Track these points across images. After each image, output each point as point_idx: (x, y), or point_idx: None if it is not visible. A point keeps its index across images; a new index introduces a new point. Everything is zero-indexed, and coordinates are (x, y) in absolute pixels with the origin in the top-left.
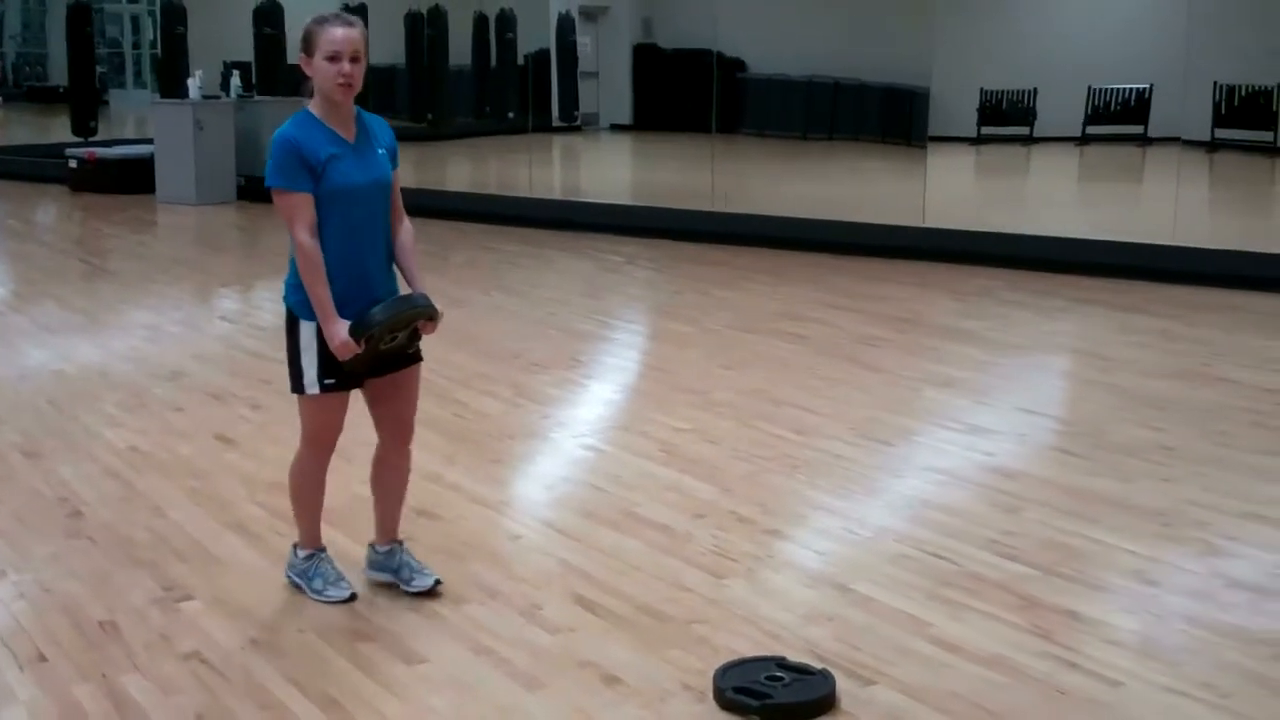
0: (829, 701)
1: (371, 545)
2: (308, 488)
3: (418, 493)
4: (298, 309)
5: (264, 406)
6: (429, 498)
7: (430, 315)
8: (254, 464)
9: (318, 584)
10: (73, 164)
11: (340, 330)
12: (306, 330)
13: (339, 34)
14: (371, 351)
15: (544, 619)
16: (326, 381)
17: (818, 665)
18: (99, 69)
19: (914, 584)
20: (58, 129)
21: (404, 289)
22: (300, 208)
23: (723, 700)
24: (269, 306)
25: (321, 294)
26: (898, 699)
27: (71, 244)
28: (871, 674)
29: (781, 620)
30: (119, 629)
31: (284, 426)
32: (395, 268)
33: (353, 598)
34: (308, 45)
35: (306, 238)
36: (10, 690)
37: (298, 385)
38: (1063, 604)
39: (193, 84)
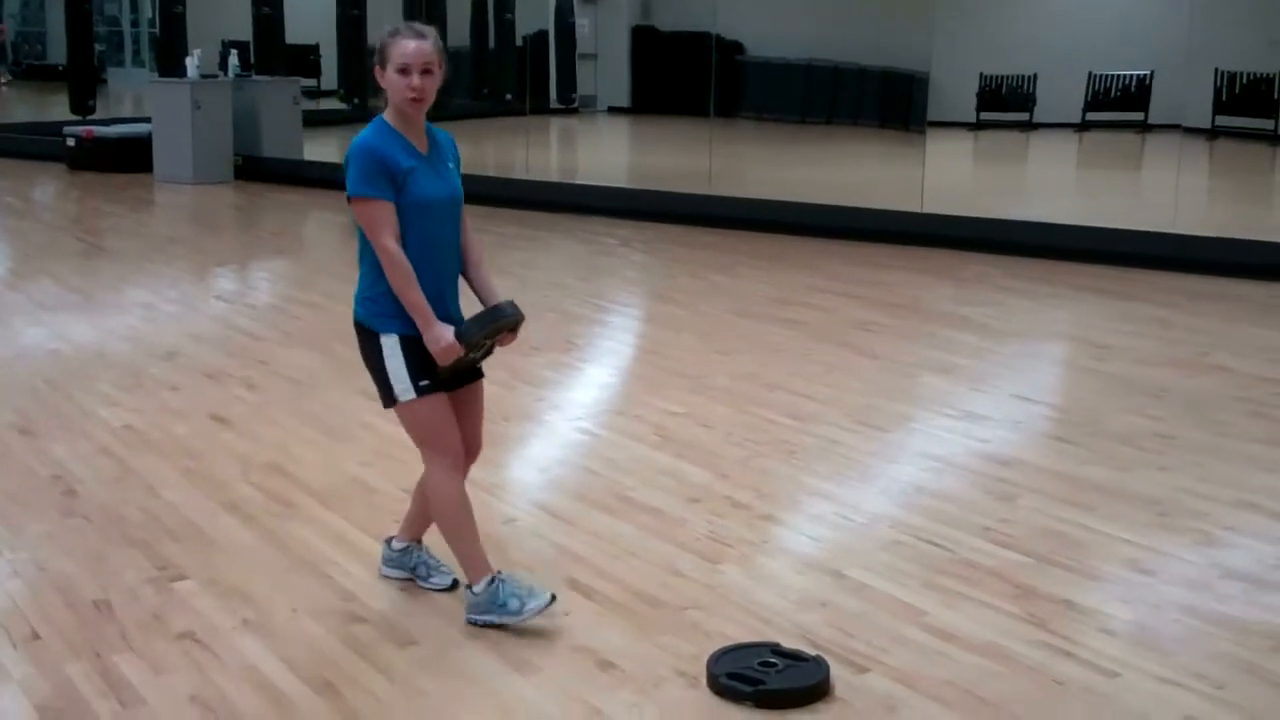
0: (822, 688)
1: (388, 542)
2: (457, 509)
3: (411, 474)
4: (372, 321)
5: (260, 387)
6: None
7: (517, 324)
8: (249, 444)
9: (514, 605)
10: (70, 142)
11: (445, 333)
12: (388, 341)
13: (410, 46)
14: (464, 360)
15: None
16: (422, 384)
17: (811, 652)
18: (97, 47)
19: (909, 571)
20: (56, 107)
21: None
22: (385, 216)
23: (716, 686)
24: (265, 286)
25: (417, 299)
26: (891, 686)
27: (69, 222)
28: (865, 661)
29: (775, 606)
30: (112, 608)
31: (279, 408)
32: (467, 281)
33: (553, 598)
34: (382, 57)
35: (393, 245)
36: (4, 668)
37: (390, 397)
38: (1058, 593)
39: (191, 63)
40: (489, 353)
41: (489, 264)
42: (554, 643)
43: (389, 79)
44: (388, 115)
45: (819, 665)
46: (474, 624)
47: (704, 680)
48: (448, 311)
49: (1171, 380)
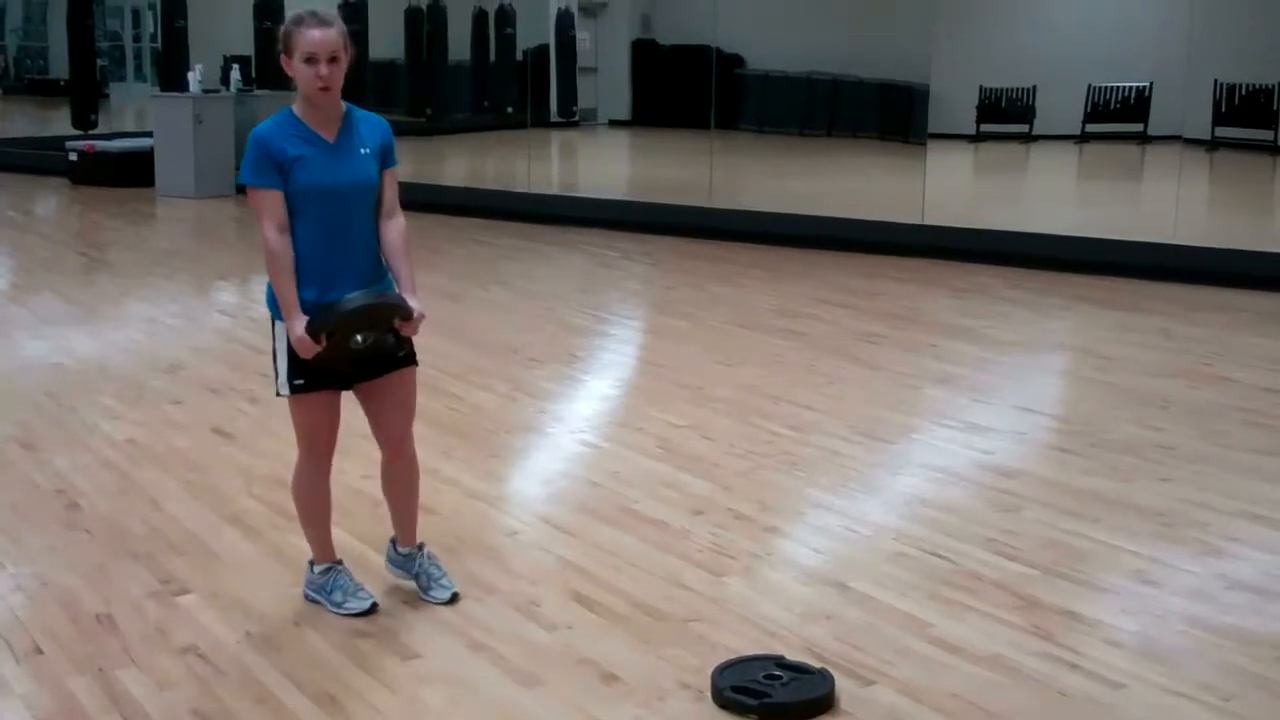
0: (827, 701)
1: (393, 542)
2: (309, 498)
3: None
4: (272, 308)
5: (262, 400)
6: (425, 492)
7: (394, 314)
8: (251, 457)
9: (337, 597)
10: (73, 157)
11: (297, 326)
12: (279, 331)
13: (316, 36)
14: (339, 351)
15: (541, 616)
16: (296, 382)
17: (816, 664)
18: (99, 62)
19: (913, 583)
20: (58, 122)
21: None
22: (267, 204)
23: (721, 699)
24: None
25: (285, 289)
26: (897, 699)
27: (71, 236)
28: (870, 673)
29: (780, 619)
30: (115, 622)
31: (281, 421)
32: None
33: (374, 608)
34: (287, 46)
35: (272, 234)
36: (6, 683)
37: (276, 386)
38: (1062, 604)
39: (193, 78)
40: (399, 339)
41: (407, 260)
42: (557, 655)
43: (296, 68)
44: (295, 105)
45: (824, 678)
46: (305, 596)
47: (708, 693)
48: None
49: (1174, 391)
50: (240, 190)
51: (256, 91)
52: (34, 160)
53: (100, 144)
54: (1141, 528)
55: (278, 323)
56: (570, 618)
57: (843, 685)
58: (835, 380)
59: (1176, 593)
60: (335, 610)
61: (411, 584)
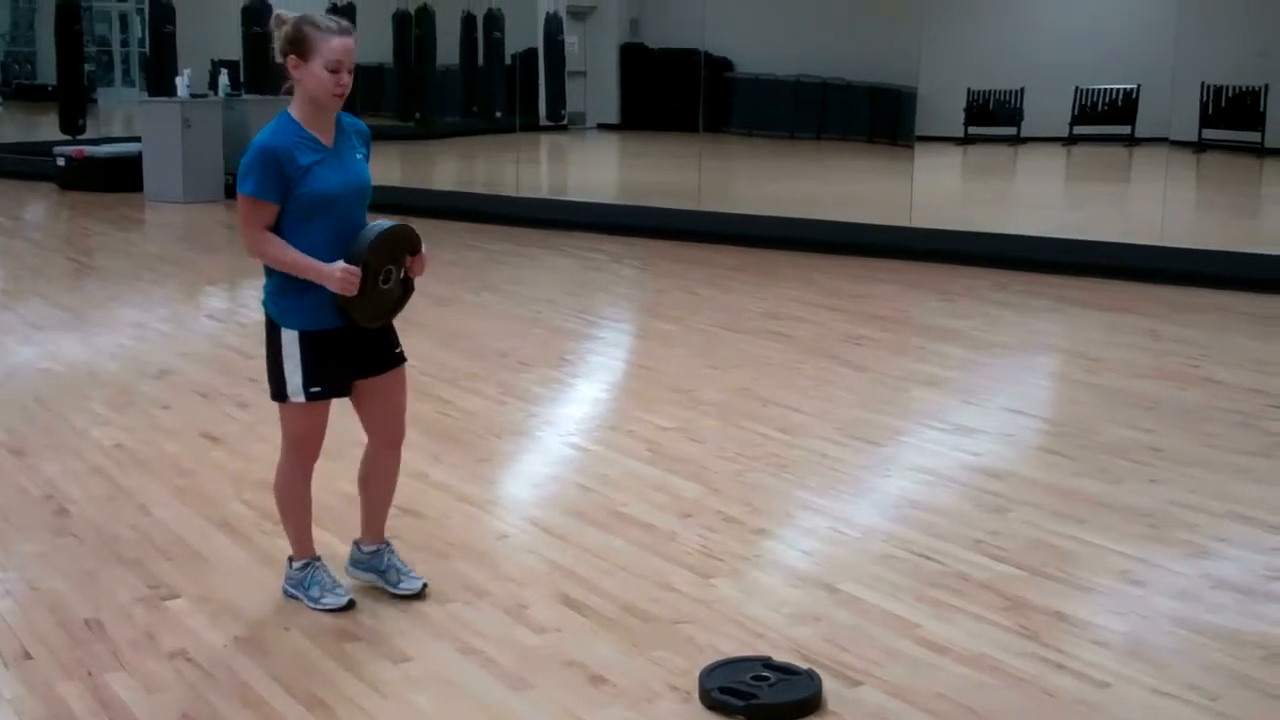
0: (815, 702)
1: (356, 544)
2: (293, 498)
3: (403, 491)
4: (279, 317)
5: (251, 405)
6: (414, 496)
7: (412, 240)
8: (241, 462)
9: (314, 592)
10: (61, 162)
11: (334, 269)
12: (289, 337)
13: (340, 44)
14: (372, 291)
15: (530, 618)
16: (313, 390)
17: (803, 665)
18: (87, 67)
19: (901, 584)
20: (46, 127)
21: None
22: (262, 216)
23: (709, 700)
24: (256, 305)
25: (298, 258)
26: (884, 700)
27: (59, 242)
28: (858, 674)
29: (767, 620)
30: (104, 627)
31: (271, 425)
32: None
33: (351, 604)
34: (303, 49)
35: (258, 236)
36: None
37: (279, 393)
38: (1050, 605)
39: (181, 82)
40: (408, 288)
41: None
42: (546, 658)
43: (314, 73)
44: (295, 109)
45: (811, 679)
46: (285, 592)
47: (696, 695)
48: None
49: (1161, 392)
50: (230, 194)
51: (245, 96)
52: (22, 166)
53: (88, 149)
54: (1129, 528)
55: (285, 330)
56: (559, 620)
57: (830, 686)
58: (823, 382)
59: (1163, 593)
60: (312, 605)
61: (379, 584)
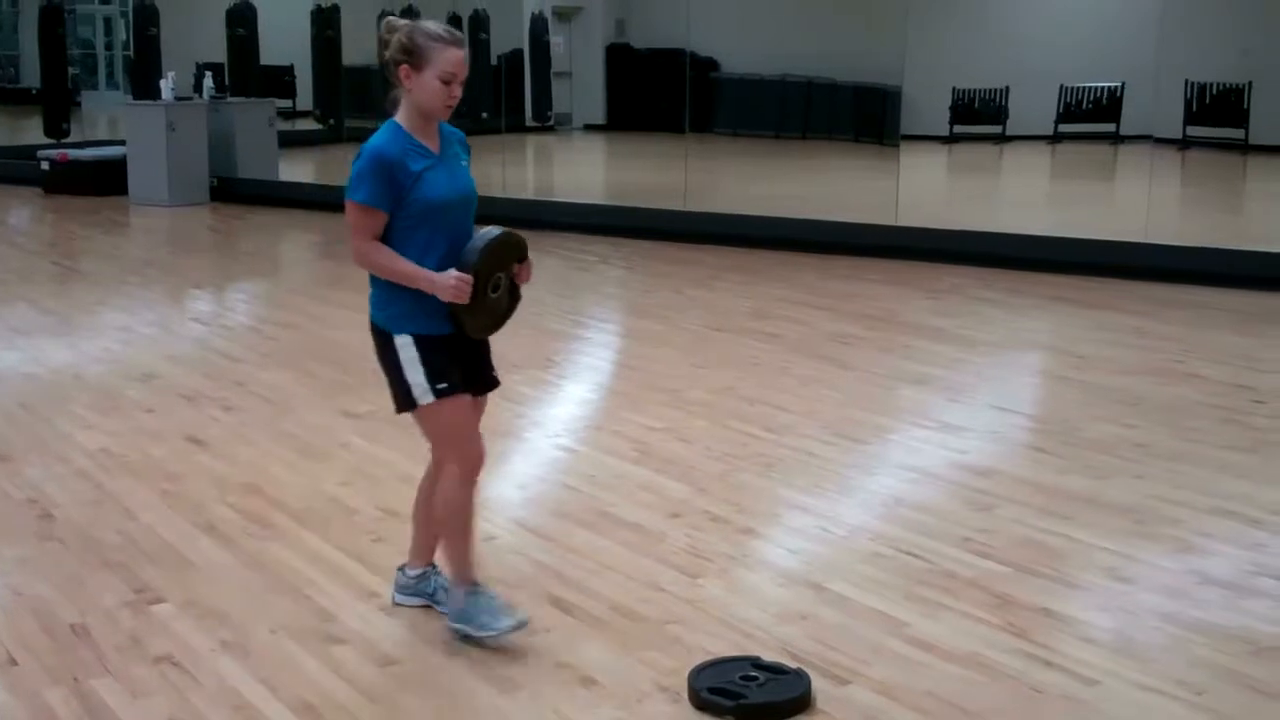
0: (804, 701)
1: (402, 569)
2: (460, 515)
3: (389, 493)
4: (388, 324)
5: (236, 408)
6: (402, 498)
7: (520, 248)
8: (226, 466)
9: (485, 619)
10: (45, 166)
11: (446, 276)
12: (403, 341)
13: (455, 56)
14: (483, 299)
15: None
16: (439, 386)
17: (792, 665)
18: (71, 70)
19: (888, 583)
20: (30, 131)
21: None
22: (373, 223)
23: (698, 700)
24: (241, 308)
25: (407, 267)
26: (873, 698)
27: (44, 246)
28: (846, 673)
29: (756, 620)
30: (90, 632)
31: (256, 429)
32: None
33: (523, 624)
34: (417, 59)
35: (368, 244)
36: None
37: (407, 400)
38: (1037, 602)
39: (165, 85)
40: (515, 296)
41: None
42: (535, 660)
43: (426, 83)
44: (402, 118)
45: (800, 678)
46: (452, 630)
47: (685, 695)
48: None
49: (1146, 389)
50: (218, 197)
51: (230, 99)
52: (6, 169)
53: (73, 153)
54: (1115, 525)
55: (398, 335)
56: (548, 621)
57: (819, 685)
58: (811, 382)
59: (1150, 589)
60: (486, 635)
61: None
